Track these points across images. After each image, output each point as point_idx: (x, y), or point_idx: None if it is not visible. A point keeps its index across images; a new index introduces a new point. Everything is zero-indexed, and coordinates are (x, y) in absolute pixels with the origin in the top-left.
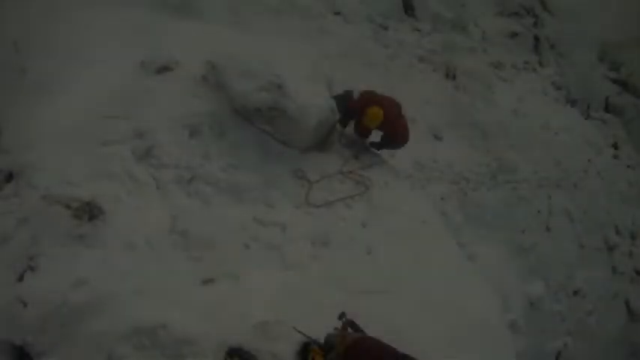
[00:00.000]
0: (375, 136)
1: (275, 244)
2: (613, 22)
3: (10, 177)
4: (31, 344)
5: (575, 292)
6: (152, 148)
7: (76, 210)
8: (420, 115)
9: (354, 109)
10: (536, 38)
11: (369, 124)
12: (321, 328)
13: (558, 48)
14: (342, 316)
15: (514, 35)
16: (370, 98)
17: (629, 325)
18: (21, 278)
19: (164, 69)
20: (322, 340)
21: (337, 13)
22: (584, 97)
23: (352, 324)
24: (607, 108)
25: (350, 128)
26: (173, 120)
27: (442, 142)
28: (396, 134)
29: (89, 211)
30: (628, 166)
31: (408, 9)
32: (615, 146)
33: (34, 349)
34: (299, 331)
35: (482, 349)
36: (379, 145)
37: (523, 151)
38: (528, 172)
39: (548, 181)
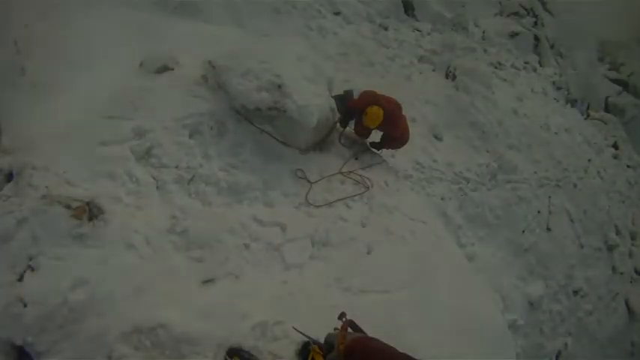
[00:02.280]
0: (375, 136)
1: (275, 244)
2: (613, 22)
3: (10, 177)
4: (31, 344)
5: (575, 292)
6: (152, 148)
7: (76, 210)
8: (420, 115)
9: (354, 109)
10: (536, 38)
11: (369, 124)
12: (321, 328)
13: (558, 48)
14: (342, 316)
15: (514, 35)
16: (370, 98)
17: (629, 325)
18: (21, 278)
19: (164, 69)
20: (322, 340)
21: (337, 13)
22: (584, 97)
23: (352, 324)
24: (607, 108)
25: (350, 128)
26: (173, 120)
27: (442, 142)
28: (396, 134)
29: (89, 211)
30: (628, 166)
31: (408, 9)
32: (615, 146)
33: (34, 349)
34: (299, 331)
35: (482, 349)
36: (379, 145)
37: (523, 151)
38: (528, 172)
39: (548, 181)
